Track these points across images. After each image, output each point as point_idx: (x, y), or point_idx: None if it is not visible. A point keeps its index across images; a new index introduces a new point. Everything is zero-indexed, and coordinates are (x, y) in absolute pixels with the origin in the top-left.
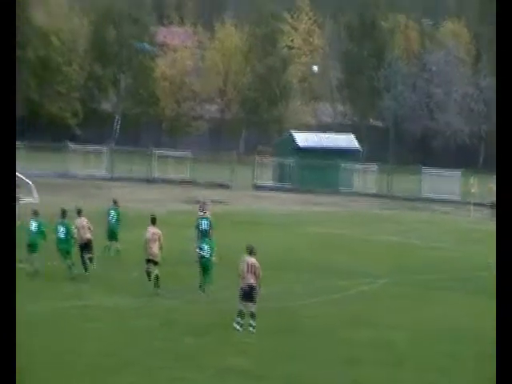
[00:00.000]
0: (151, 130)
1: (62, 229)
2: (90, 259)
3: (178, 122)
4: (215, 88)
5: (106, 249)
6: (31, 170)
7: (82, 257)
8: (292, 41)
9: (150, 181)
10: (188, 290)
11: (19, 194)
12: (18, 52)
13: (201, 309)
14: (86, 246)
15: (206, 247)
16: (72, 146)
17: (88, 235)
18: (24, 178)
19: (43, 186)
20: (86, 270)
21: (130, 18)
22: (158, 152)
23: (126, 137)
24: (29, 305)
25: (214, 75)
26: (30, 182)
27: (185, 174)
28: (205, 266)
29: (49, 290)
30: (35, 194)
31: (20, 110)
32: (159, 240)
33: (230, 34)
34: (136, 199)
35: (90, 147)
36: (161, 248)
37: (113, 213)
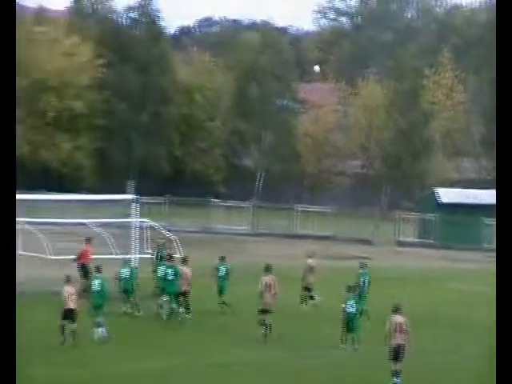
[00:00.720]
0: (293, 185)
1: (170, 271)
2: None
3: (320, 178)
4: (357, 144)
5: (220, 305)
6: (175, 225)
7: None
8: (434, 96)
9: (291, 236)
10: (329, 346)
11: (168, 248)
12: (163, 109)
13: (342, 364)
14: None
15: (352, 302)
16: (215, 201)
17: (185, 287)
18: (168, 232)
19: (186, 241)
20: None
21: (273, 74)
22: (299, 208)
23: (268, 193)
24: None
25: (357, 131)
26: (175, 237)
27: (326, 229)
28: (349, 320)
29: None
30: (179, 249)
31: (164, 167)
32: (274, 288)
33: (373, 90)
34: (277, 255)
35: (233, 203)
36: (275, 295)
37: (222, 268)
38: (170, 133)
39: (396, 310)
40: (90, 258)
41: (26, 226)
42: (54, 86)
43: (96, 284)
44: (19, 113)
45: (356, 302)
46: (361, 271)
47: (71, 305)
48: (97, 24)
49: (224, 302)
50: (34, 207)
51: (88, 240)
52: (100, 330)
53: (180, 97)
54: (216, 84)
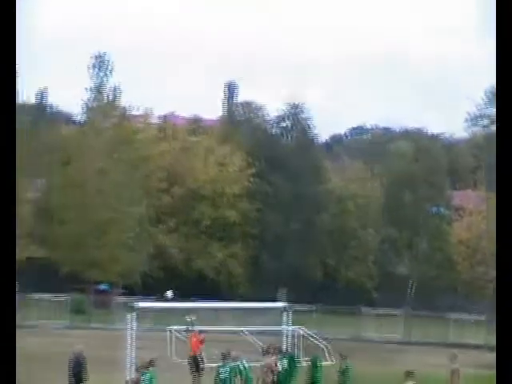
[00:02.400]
0: (446, 293)
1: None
2: None
3: (474, 285)
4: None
5: None
6: (326, 333)
7: None
8: None
9: (445, 345)
10: None
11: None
12: (315, 217)
13: None
14: None
15: None
16: (366, 309)
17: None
18: (319, 340)
19: (337, 349)
20: None
21: (426, 181)
22: (453, 316)
23: (421, 300)
24: None
25: None
26: (325, 345)
27: (480, 338)
28: None
29: None
30: (331, 357)
31: (317, 275)
32: None
33: None
34: (429, 364)
35: (385, 311)
36: None
37: (148, 376)
38: (323, 241)
39: None
40: (199, 349)
41: (180, 334)
42: (208, 194)
43: (146, 379)
44: (174, 221)
45: None
46: None
47: None
48: (249, 133)
49: None
50: (188, 315)
51: (197, 332)
52: None
53: (332, 205)
54: (368, 192)
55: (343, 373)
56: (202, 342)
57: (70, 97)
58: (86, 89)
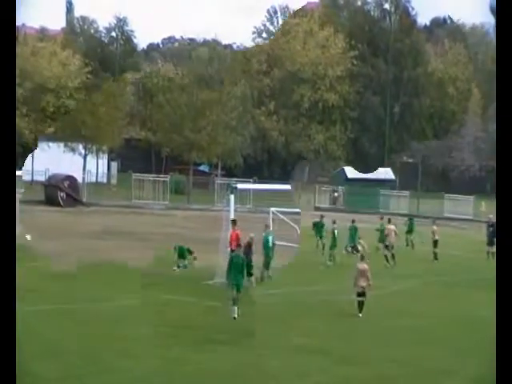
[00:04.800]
0: None
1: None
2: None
3: None
4: None
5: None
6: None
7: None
8: None
9: None
10: None
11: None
12: (415, 101)
13: None
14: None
15: None
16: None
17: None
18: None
19: None
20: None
21: None
22: None
23: None
24: None
25: None
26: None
27: None
28: None
29: None
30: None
31: (416, 159)
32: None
33: None
34: None
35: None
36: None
37: (268, 238)
38: (422, 125)
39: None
40: (237, 242)
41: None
42: (308, 77)
43: (268, 240)
44: (273, 105)
45: None
46: None
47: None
48: (349, 16)
49: None
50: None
51: (233, 222)
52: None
53: (432, 89)
54: (468, 75)
55: None
56: (238, 238)
57: None
58: None
